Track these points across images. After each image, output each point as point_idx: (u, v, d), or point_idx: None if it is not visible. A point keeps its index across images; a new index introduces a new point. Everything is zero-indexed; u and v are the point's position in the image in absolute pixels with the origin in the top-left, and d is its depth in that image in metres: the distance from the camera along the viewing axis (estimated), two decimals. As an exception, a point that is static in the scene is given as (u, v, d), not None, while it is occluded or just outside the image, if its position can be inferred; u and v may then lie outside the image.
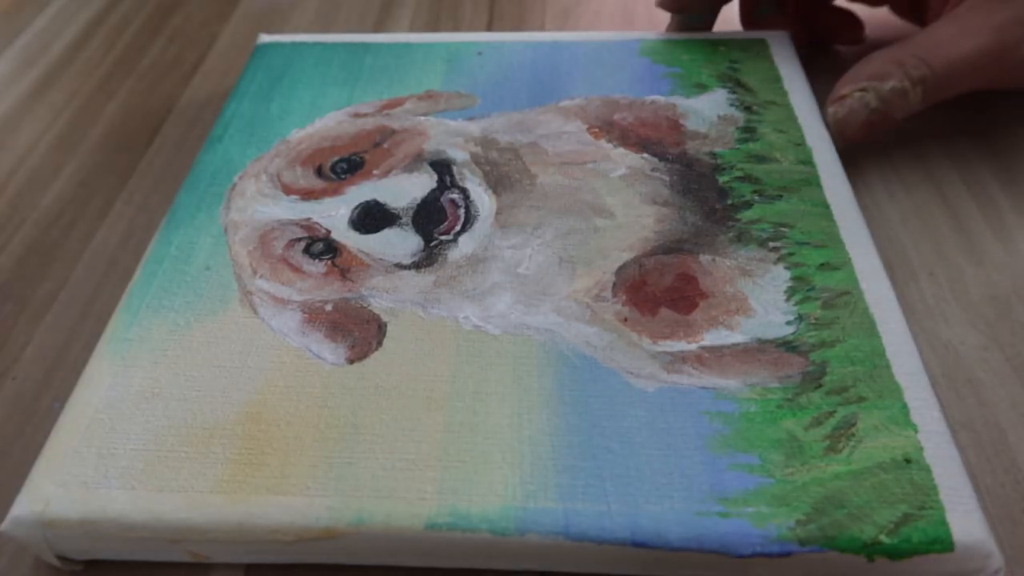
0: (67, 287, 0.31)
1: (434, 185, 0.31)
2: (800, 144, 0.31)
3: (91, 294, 0.31)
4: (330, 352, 0.25)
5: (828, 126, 0.33)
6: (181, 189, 0.31)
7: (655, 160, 0.31)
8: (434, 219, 0.29)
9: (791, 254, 0.27)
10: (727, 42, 0.37)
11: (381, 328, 0.26)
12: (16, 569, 0.23)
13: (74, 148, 0.38)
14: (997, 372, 0.26)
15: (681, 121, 0.33)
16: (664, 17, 0.44)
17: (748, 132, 0.32)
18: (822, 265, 0.27)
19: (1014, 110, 0.36)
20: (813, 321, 0.25)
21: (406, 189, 0.30)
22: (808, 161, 0.31)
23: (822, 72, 0.39)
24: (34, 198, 0.35)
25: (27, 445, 0.26)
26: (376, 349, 0.25)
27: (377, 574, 0.23)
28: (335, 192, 0.30)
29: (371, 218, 0.29)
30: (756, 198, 0.29)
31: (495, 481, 0.22)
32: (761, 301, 0.26)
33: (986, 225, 0.31)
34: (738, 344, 0.25)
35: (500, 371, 0.25)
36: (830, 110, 0.33)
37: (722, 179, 0.30)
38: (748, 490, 0.21)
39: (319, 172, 0.31)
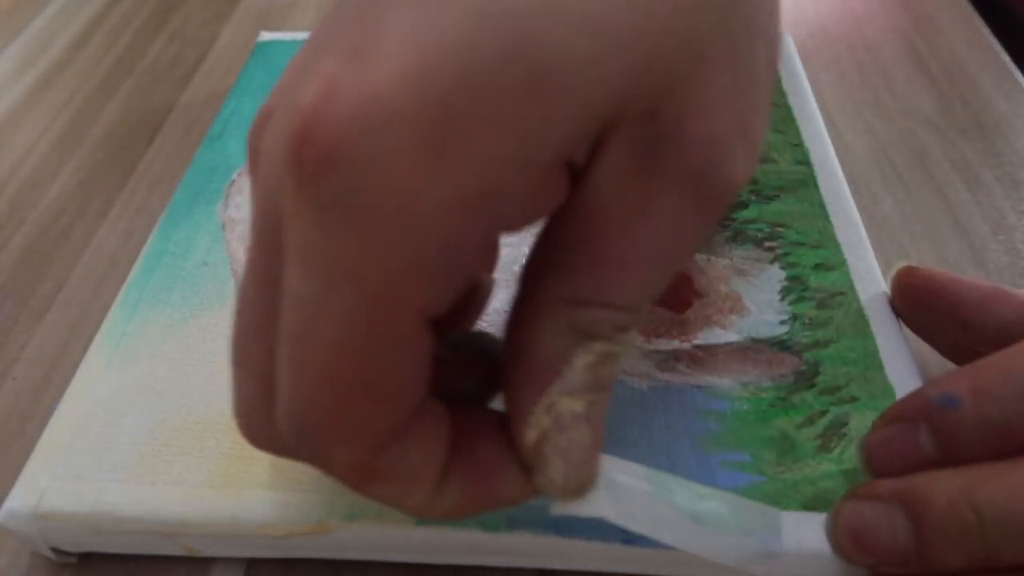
0: (67, 287, 0.32)
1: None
2: (798, 144, 0.31)
3: (91, 294, 0.31)
4: (325, 349, 0.25)
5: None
6: (179, 186, 0.31)
7: (652, 159, 0.31)
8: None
9: (787, 254, 0.27)
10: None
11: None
12: (15, 567, 0.24)
13: (74, 148, 0.38)
14: (992, 372, 0.26)
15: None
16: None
17: (746, 132, 0.32)
18: (817, 265, 0.27)
19: (1015, 110, 0.36)
20: (807, 321, 0.25)
21: None
22: (805, 161, 0.31)
23: (822, 72, 0.39)
24: (34, 198, 0.36)
25: (27, 445, 0.26)
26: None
27: (375, 570, 0.23)
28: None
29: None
30: (752, 198, 0.29)
31: (487, 478, 0.22)
32: (755, 300, 0.26)
33: (986, 225, 0.31)
34: (732, 343, 0.25)
35: (494, 368, 0.25)
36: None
37: (719, 179, 0.30)
38: (739, 488, 0.21)
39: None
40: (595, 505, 0.17)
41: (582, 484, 0.17)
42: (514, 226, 0.15)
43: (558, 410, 0.16)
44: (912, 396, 0.21)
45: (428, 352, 0.15)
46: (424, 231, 0.13)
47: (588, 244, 0.15)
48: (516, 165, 0.13)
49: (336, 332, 0.14)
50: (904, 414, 0.21)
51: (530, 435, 0.16)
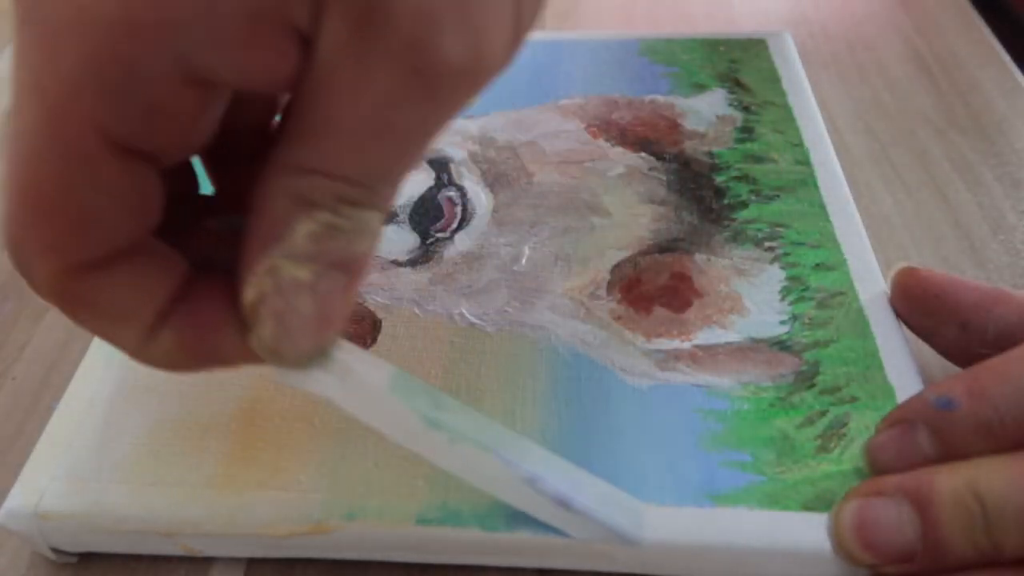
0: (66, 284, 0.31)
1: (432, 183, 0.31)
2: (798, 144, 0.31)
3: (90, 291, 0.31)
4: (325, 349, 0.25)
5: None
6: (179, 186, 0.31)
7: (653, 159, 0.31)
8: (431, 216, 0.29)
9: (786, 254, 0.27)
10: (727, 42, 0.37)
11: (376, 325, 0.26)
12: (15, 567, 0.24)
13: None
14: (992, 372, 0.26)
15: (679, 120, 0.33)
16: (665, 16, 0.44)
17: (746, 132, 0.32)
18: (817, 265, 0.27)
19: (1015, 110, 0.36)
20: (807, 321, 0.25)
21: (403, 186, 0.30)
22: (805, 161, 0.31)
23: (821, 72, 0.39)
24: (35, 195, 0.36)
25: (26, 445, 0.26)
26: (371, 345, 0.26)
27: (375, 570, 0.23)
28: (333, 190, 0.31)
29: (368, 216, 0.29)
30: (753, 198, 0.29)
31: (487, 477, 0.22)
32: (755, 300, 0.26)
33: (986, 225, 0.31)
34: (732, 343, 0.25)
35: (494, 368, 0.25)
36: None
37: (719, 178, 0.30)
38: (739, 487, 0.21)
39: (317, 170, 0.31)
40: (318, 382, 0.18)
41: (297, 352, 0.17)
42: (228, 79, 0.15)
43: (280, 274, 0.16)
44: (912, 399, 0.22)
45: (133, 186, 0.15)
46: (96, 45, 0.14)
47: (310, 111, 0.15)
48: (198, 5, 0.14)
49: (25, 144, 0.15)
50: (904, 416, 0.21)
51: (249, 293, 0.16)
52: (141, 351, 0.17)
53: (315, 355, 0.17)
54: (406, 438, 0.19)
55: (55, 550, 0.23)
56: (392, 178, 0.16)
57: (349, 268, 0.17)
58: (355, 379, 0.18)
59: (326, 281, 0.16)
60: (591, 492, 0.20)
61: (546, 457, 0.21)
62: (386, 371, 0.19)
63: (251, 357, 0.17)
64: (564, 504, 0.20)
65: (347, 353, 0.18)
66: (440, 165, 0.31)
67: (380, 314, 0.26)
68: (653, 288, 0.27)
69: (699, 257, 0.27)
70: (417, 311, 0.26)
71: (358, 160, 0.16)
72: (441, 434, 0.19)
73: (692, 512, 0.21)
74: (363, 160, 0.16)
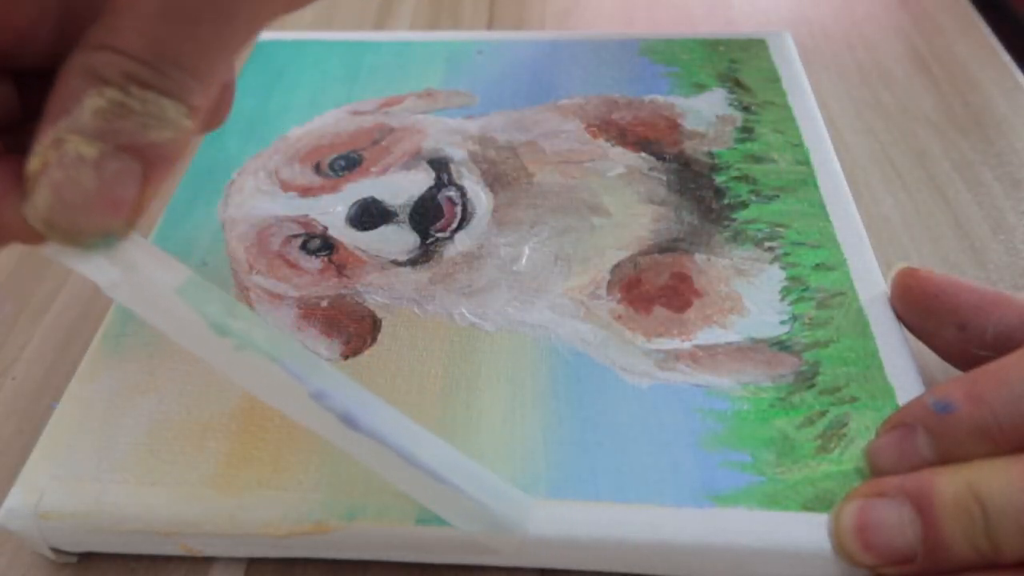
0: (67, 287, 0.31)
1: (432, 183, 0.31)
2: (798, 144, 0.31)
3: (91, 294, 0.31)
4: (325, 348, 0.25)
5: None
6: (179, 185, 0.31)
7: (653, 159, 0.31)
8: (431, 216, 0.29)
9: (786, 254, 0.27)
10: (727, 42, 0.37)
11: (376, 324, 0.26)
12: (15, 567, 0.24)
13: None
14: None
15: (679, 120, 0.33)
16: (665, 16, 0.44)
17: (746, 132, 0.32)
18: (817, 265, 0.27)
19: (1015, 110, 0.36)
20: (807, 321, 0.25)
21: (404, 186, 0.30)
22: (805, 162, 0.31)
23: (821, 72, 0.39)
24: (35, 195, 0.36)
25: (26, 445, 0.26)
26: (371, 345, 0.26)
27: (375, 570, 0.23)
28: (333, 189, 0.31)
29: (368, 215, 0.29)
30: (753, 198, 0.29)
31: (487, 477, 0.22)
32: (755, 300, 0.26)
33: (986, 225, 0.31)
34: (732, 343, 0.25)
35: (494, 367, 0.25)
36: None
37: (719, 179, 0.30)
38: (739, 488, 0.21)
39: (317, 169, 0.31)
40: (95, 268, 0.18)
41: (72, 227, 0.17)
42: None
43: (65, 148, 0.16)
44: (911, 403, 0.22)
45: None
46: None
47: None
48: None
49: None
50: (903, 420, 0.21)
51: (32, 163, 0.17)
52: None
53: (96, 238, 0.17)
54: (192, 342, 0.19)
55: (55, 550, 0.23)
56: (188, 67, 0.16)
57: (144, 155, 0.17)
58: (140, 274, 0.18)
59: (115, 162, 0.16)
60: (464, 472, 0.20)
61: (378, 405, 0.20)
62: (180, 274, 0.19)
63: (29, 232, 0.17)
64: (350, 422, 0.19)
65: (139, 248, 0.18)
66: (440, 165, 0.31)
67: (380, 314, 0.26)
68: (653, 288, 0.27)
69: (699, 257, 0.27)
70: (417, 311, 0.26)
71: (146, 38, 0.16)
72: (227, 340, 0.18)
73: (692, 512, 0.21)
74: (151, 39, 0.16)
